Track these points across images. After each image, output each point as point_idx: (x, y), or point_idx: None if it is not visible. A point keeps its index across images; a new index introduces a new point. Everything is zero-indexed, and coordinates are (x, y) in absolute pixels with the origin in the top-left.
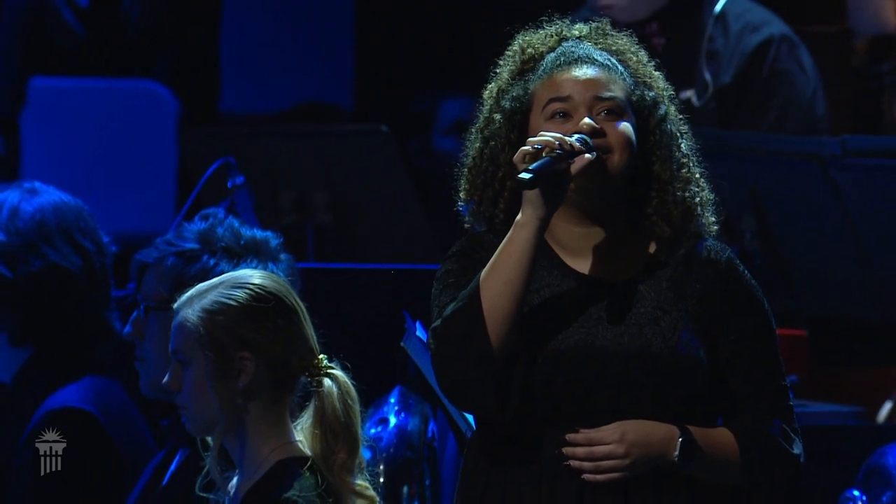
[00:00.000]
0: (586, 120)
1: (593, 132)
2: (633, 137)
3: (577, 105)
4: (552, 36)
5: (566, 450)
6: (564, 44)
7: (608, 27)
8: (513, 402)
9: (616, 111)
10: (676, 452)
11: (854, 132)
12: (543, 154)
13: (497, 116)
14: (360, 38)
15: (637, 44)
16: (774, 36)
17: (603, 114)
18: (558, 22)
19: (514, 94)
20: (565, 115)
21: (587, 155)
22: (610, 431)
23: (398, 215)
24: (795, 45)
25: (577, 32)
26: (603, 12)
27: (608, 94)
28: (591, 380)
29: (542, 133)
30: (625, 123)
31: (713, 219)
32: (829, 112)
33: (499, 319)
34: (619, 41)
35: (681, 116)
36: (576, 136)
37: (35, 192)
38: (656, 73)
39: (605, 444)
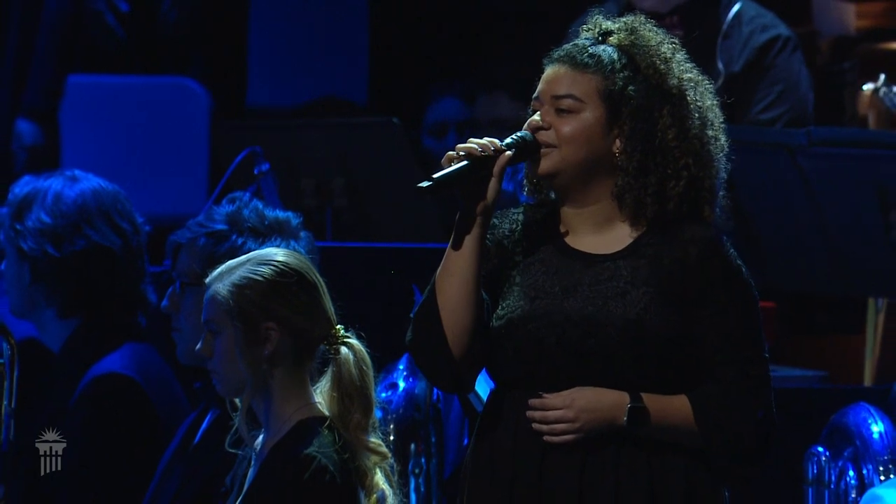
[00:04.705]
0: (534, 117)
1: (537, 129)
2: (583, 132)
3: (542, 102)
4: (592, 28)
5: (527, 413)
6: (574, 40)
7: (640, 23)
8: (470, 381)
9: (570, 108)
10: (625, 418)
11: (819, 124)
12: (464, 159)
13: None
14: (374, 38)
15: (672, 41)
16: (781, 35)
17: (557, 111)
18: (599, 16)
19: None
20: (537, 111)
21: (507, 153)
22: (562, 398)
23: (408, 199)
24: (797, 48)
25: (608, 26)
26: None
27: (564, 91)
28: (552, 346)
29: (470, 140)
30: (574, 121)
31: (707, 208)
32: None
33: (453, 310)
34: (644, 36)
35: (704, 103)
36: (518, 133)
37: (76, 178)
38: (676, 70)
39: (556, 409)
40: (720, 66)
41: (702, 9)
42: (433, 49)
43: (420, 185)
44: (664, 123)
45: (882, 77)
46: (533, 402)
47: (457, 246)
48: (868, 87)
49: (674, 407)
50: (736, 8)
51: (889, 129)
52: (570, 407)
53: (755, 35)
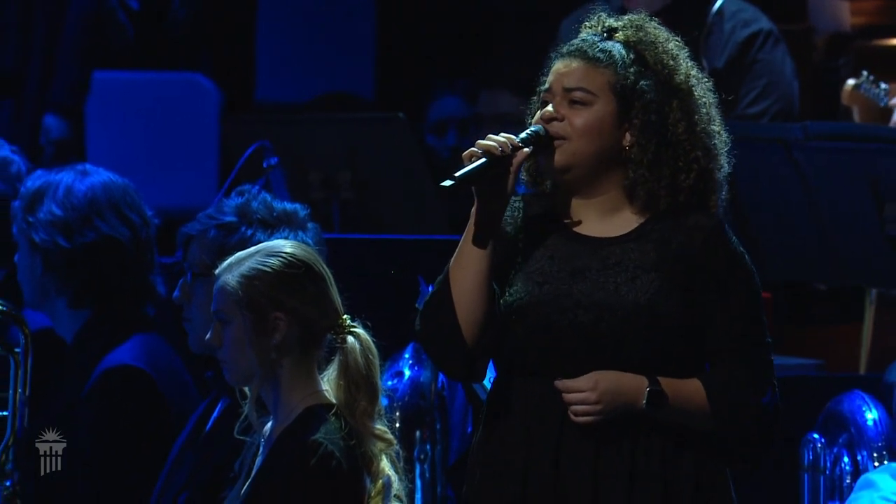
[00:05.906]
0: (548, 108)
1: (550, 119)
2: (596, 125)
3: (554, 95)
4: (596, 25)
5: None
6: (579, 36)
7: (645, 20)
8: (482, 369)
9: (583, 101)
10: (644, 400)
11: (814, 118)
12: (482, 156)
13: (536, 96)
14: (381, 35)
15: (676, 38)
16: (763, 30)
17: (570, 103)
18: (603, 13)
19: (545, 77)
20: (548, 103)
21: (525, 149)
22: (585, 380)
23: (413, 192)
24: (779, 40)
25: (612, 23)
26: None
27: (577, 84)
28: (563, 330)
29: (489, 137)
30: (587, 113)
31: (714, 198)
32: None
33: (466, 302)
34: (651, 33)
35: (708, 99)
36: (532, 127)
37: (86, 172)
38: (683, 66)
39: (580, 391)
40: (704, 62)
41: (689, 9)
42: (438, 46)
43: (443, 184)
44: (675, 118)
45: (864, 73)
46: (558, 383)
47: (471, 239)
48: (850, 82)
49: (688, 390)
50: (718, 4)
51: (874, 122)
52: (594, 389)
53: (737, 31)
